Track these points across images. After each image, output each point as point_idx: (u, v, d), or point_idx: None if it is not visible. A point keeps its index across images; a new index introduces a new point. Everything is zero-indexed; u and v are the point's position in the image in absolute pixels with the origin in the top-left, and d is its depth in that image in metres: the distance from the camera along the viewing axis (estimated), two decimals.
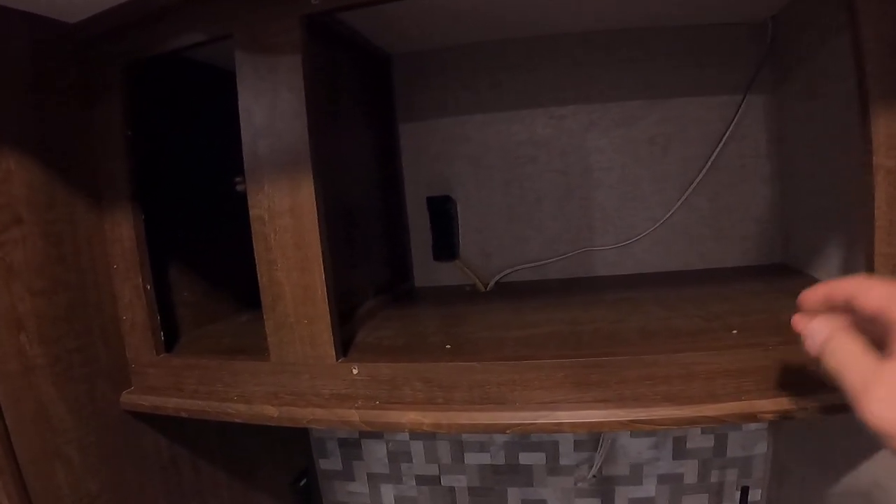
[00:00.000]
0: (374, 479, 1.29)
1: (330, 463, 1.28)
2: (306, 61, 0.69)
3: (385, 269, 1.04)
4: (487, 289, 1.06)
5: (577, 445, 1.14)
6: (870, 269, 0.62)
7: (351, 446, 1.26)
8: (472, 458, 1.19)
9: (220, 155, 1.02)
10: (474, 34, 1.01)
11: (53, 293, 0.75)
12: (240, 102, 0.71)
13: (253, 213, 0.72)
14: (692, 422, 0.63)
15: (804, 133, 0.91)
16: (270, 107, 0.70)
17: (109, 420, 0.81)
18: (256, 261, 0.73)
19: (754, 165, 1.01)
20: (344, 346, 0.75)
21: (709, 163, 1.00)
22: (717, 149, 1.00)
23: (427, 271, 1.13)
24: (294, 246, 0.71)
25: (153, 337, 0.82)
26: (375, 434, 1.25)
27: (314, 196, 0.69)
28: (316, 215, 0.70)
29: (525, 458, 1.17)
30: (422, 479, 1.25)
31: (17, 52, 0.71)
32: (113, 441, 0.81)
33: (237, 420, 0.76)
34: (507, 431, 0.68)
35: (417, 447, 1.22)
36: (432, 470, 1.23)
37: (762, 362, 0.62)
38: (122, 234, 0.81)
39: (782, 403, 0.61)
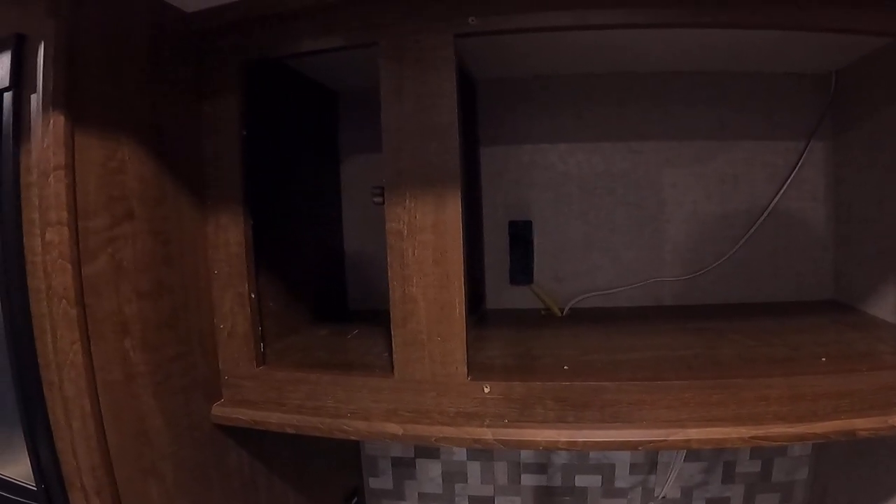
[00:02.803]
0: (425, 500, 1.24)
1: (380, 482, 1.22)
2: (456, 76, 0.68)
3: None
4: (563, 314, 1.05)
5: (633, 468, 1.13)
6: None
7: (404, 465, 1.21)
8: (528, 480, 1.17)
9: (295, 166, 0.99)
10: (563, 66, 1.00)
11: (158, 296, 0.69)
12: (383, 115, 0.68)
13: (390, 226, 0.69)
14: (802, 438, 0.67)
15: (863, 179, 0.95)
16: (418, 122, 0.67)
17: (201, 434, 0.76)
18: (389, 275, 0.70)
19: (812, 207, 1.04)
20: None
21: (772, 203, 1.03)
22: (781, 191, 1.03)
23: (499, 294, 1.11)
24: (434, 262, 0.68)
25: (254, 348, 0.77)
26: (431, 453, 1.20)
27: (459, 213, 0.67)
28: (460, 232, 0.67)
29: (581, 481, 1.15)
30: (475, 500, 1.21)
31: (138, 33, 0.66)
32: (204, 457, 0.76)
33: (353, 437, 0.72)
34: (639, 448, 0.68)
35: (474, 468, 1.18)
36: (487, 491, 1.19)
37: (856, 385, 0.66)
38: (228, 238, 0.76)
39: (876, 422, 0.65)
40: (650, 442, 0.66)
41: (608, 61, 0.98)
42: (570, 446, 0.67)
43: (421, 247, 0.68)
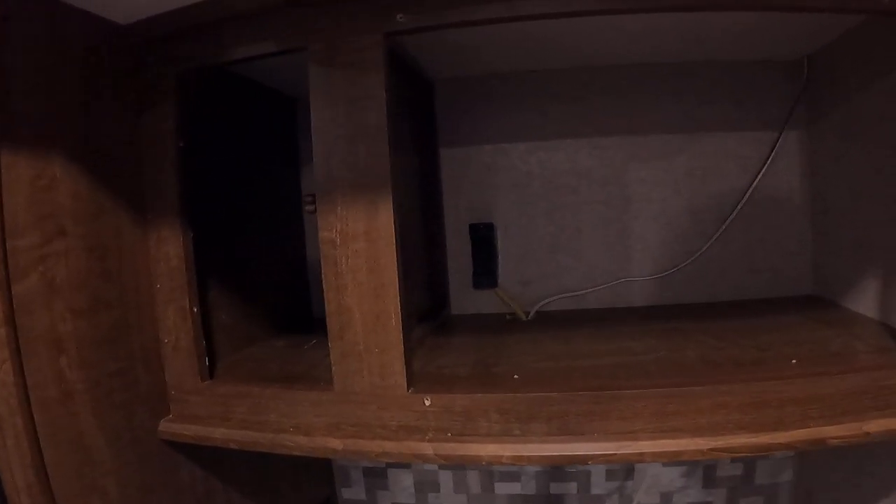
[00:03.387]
0: None
1: (353, 492, 1.20)
2: (388, 78, 0.65)
3: (426, 296, 0.98)
4: (528, 318, 1.01)
5: (609, 475, 1.09)
6: None
7: (376, 476, 1.19)
8: (502, 489, 1.13)
9: (252, 171, 0.97)
10: (521, 62, 0.97)
11: (95, 312, 0.67)
12: (313, 120, 0.66)
13: (322, 235, 0.66)
14: (767, 448, 0.62)
15: (839, 169, 0.91)
16: (347, 124, 0.65)
17: (147, 450, 0.73)
18: (324, 286, 0.67)
19: (787, 200, 1.00)
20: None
21: (745, 197, 0.99)
22: (754, 183, 0.99)
23: (463, 299, 1.08)
24: (368, 271, 0.65)
25: (198, 363, 0.75)
26: (404, 463, 1.18)
27: (392, 220, 0.64)
28: (393, 239, 0.64)
29: (557, 488, 1.11)
30: None
31: (70, 48, 0.64)
32: (151, 473, 0.74)
33: (295, 453, 0.69)
34: (589, 462, 0.65)
35: (446, 477, 1.15)
36: (461, 500, 1.15)
37: (827, 390, 0.61)
38: (168, 251, 0.74)
39: (849, 429, 0.60)
40: (600, 456, 0.63)
41: (567, 56, 0.94)
42: (515, 461, 0.64)
43: (354, 255, 0.65)
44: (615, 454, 0.62)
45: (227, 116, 0.90)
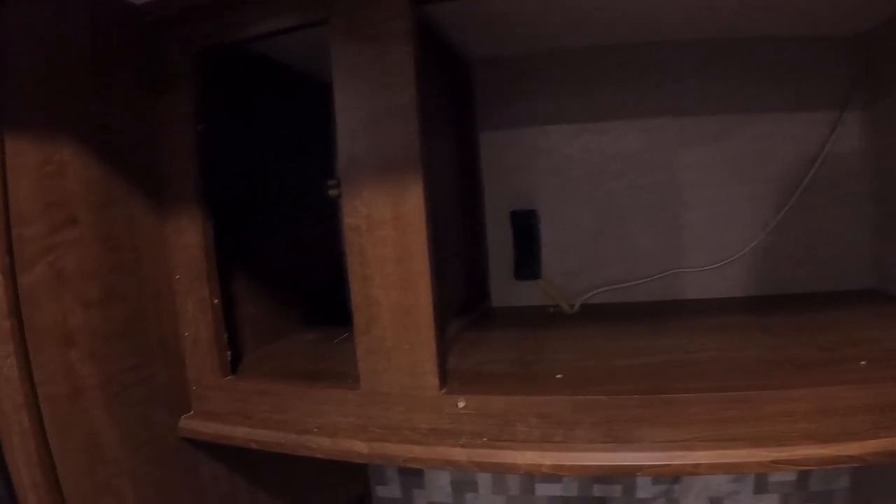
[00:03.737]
0: None
1: (388, 490, 1.16)
2: (417, 51, 0.59)
3: (464, 287, 0.93)
4: (572, 311, 0.95)
5: (656, 478, 1.02)
6: None
7: (412, 474, 1.15)
8: (543, 490, 1.08)
9: (284, 159, 0.92)
10: (564, 39, 0.91)
11: (108, 305, 0.64)
12: (336, 97, 0.61)
13: (347, 221, 0.61)
14: (834, 461, 0.54)
15: None
16: (373, 102, 0.59)
17: (166, 448, 0.70)
18: (349, 276, 0.62)
19: (847, 185, 0.91)
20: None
21: (804, 183, 0.91)
22: (813, 168, 0.90)
23: (504, 291, 1.02)
24: (396, 261, 0.60)
25: (219, 357, 0.71)
26: None
27: (423, 204, 0.58)
28: (424, 226, 0.59)
29: (600, 491, 1.05)
30: None
31: (75, 31, 0.61)
32: (169, 472, 0.70)
33: (318, 456, 0.64)
34: (638, 474, 0.58)
35: (485, 477, 1.10)
36: (499, 501, 1.10)
37: None
38: (187, 240, 0.70)
39: None
40: (650, 467, 0.56)
41: (613, 31, 0.88)
42: (556, 471, 0.57)
43: (381, 243, 0.60)
44: (668, 465, 0.56)
45: (258, 101, 0.86)
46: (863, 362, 0.60)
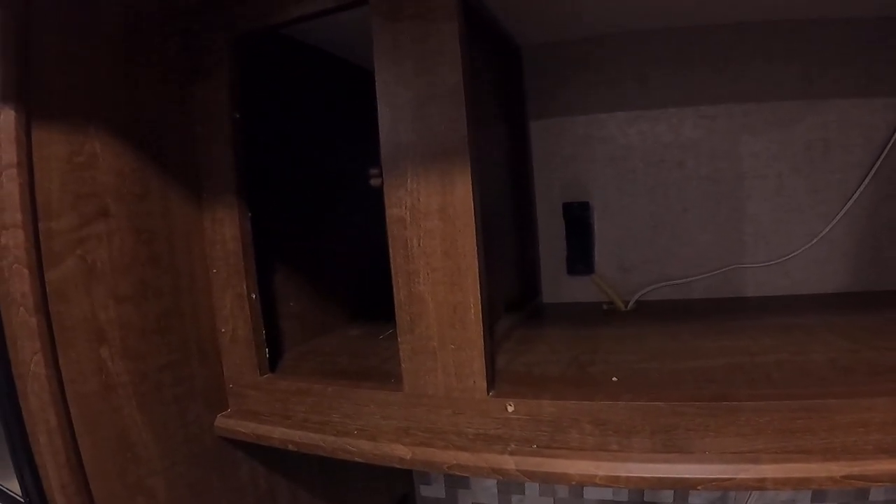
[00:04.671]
0: None
1: (432, 490, 1.13)
2: (463, 30, 0.54)
3: (515, 282, 0.88)
4: (628, 308, 0.90)
5: None
6: None
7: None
8: (592, 493, 1.04)
9: (329, 148, 0.89)
10: (617, 22, 0.85)
11: (143, 300, 0.61)
12: (378, 82, 0.57)
13: (391, 213, 0.57)
14: None
15: None
16: (417, 85, 0.55)
17: (202, 447, 0.67)
18: (393, 271, 0.58)
19: None
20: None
21: (872, 172, 0.83)
22: (882, 156, 0.83)
23: (556, 286, 0.98)
24: (443, 254, 0.55)
25: (257, 354, 0.68)
26: None
27: (472, 194, 0.54)
28: (473, 218, 0.54)
29: (651, 496, 1.00)
30: None
31: (107, 18, 0.58)
32: (205, 471, 0.68)
33: (358, 459, 0.61)
34: (699, 488, 0.53)
35: None
36: None
37: None
38: (224, 233, 0.67)
39: None
40: (713, 480, 0.51)
41: (670, 13, 0.82)
42: (611, 482, 0.53)
43: (427, 236, 0.56)
44: (731, 479, 0.51)
45: (300, 90, 0.83)
46: None
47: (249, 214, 0.67)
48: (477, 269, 0.54)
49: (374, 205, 0.98)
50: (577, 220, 0.93)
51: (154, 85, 0.63)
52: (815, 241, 0.86)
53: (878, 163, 0.83)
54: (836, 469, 0.48)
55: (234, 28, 0.65)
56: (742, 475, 0.50)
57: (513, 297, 0.87)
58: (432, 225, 0.55)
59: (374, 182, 0.58)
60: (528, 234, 0.95)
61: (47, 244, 0.52)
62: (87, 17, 0.56)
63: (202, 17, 0.65)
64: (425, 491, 1.14)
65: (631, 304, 0.91)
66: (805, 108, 0.85)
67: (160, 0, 0.64)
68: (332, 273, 0.89)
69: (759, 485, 0.51)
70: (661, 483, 0.53)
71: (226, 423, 0.68)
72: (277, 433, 0.65)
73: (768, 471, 0.50)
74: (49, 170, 0.52)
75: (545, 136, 0.95)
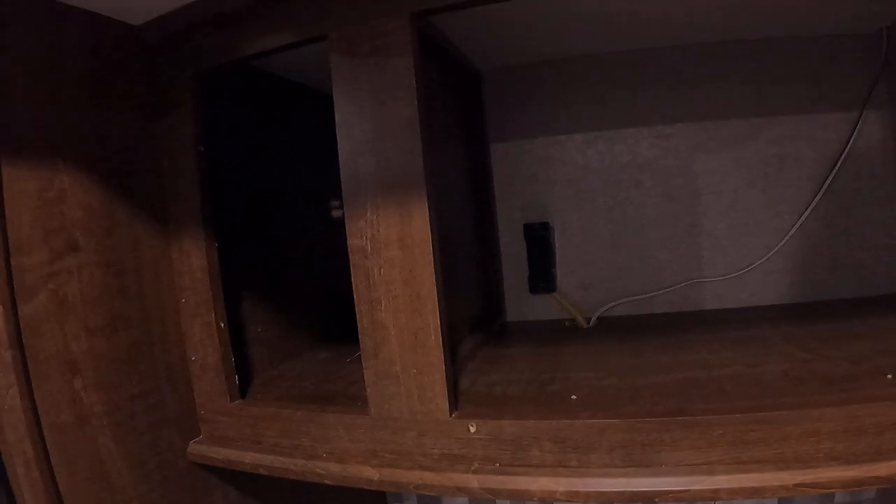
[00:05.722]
0: None
1: None
2: (418, 64, 0.56)
3: (478, 302, 0.89)
4: (590, 324, 0.92)
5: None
6: None
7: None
8: None
9: (293, 177, 0.90)
10: (574, 46, 0.87)
11: (113, 331, 0.62)
12: (337, 114, 0.58)
13: (352, 243, 0.58)
14: (861, 483, 0.51)
15: None
16: (375, 118, 0.57)
17: (175, 473, 0.68)
18: (356, 299, 0.59)
19: (871, 187, 0.87)
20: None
21: (825, 185, 0.86)
22: (835, 169, 0.86)
23: (519, 305, 0.99)
24: (403, 283, 0.57)
25: (227, 381, 0.68)
26: None
27: (428, 224, 0.55)
28: (430, 247, 0.56)
29: None
30: None
31: (75, 52, 0.59)
32: (179, 497, 0.68)
33: (328, 482, 0.62)
34: (656, 500, 0.54)
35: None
36: None
37: None
38: (192, 263, 0.67)
39: None
40: (669, 493, 0.53)
41: (625, 36, 0.85)
42: (570, 497, 0.54)
43: (388, 265, 0.57)
44: (687, 490, 0.52)
45: (263, 119, 0.84)
46: (889, 375, 0.56)
47: (216, 244, 0.68)
48: (436, 296, 0.56)
49: (339, 230, 1.00)
50: (539, 239, 0.94)
51: (120, 120, 0.64)
52: (771, 253, 0.88)
53: (832, 176, 0.86)
54: (789, 478, 0.50)
55: (199, 63, 0.66)
56: (696, 486, 0.52)
57: (477, 317, 0.88)
58: (392, 254, 0.57)
59: (336, 213, 0.59)
60: (490, 255, 0.97)
61: (19, 279, 0.52)
62: (56, 54, 0.57)
63: (166, 53, 0.67)
64: None
65: (593, 320, 0.92)
66: (759, 124, 0.88)
67: (126, 36, 0.65)
68: (298, 297, 0.90)
69: (714, 495, 0.52)
70: (620, 497, 0.55)
71: (198, 449, 0.69)
72: (249, 458, 0.66)
73: (722, 482, 0.52)
74: (19, 206, 0.53)
75: (506, 157, 0.97)
